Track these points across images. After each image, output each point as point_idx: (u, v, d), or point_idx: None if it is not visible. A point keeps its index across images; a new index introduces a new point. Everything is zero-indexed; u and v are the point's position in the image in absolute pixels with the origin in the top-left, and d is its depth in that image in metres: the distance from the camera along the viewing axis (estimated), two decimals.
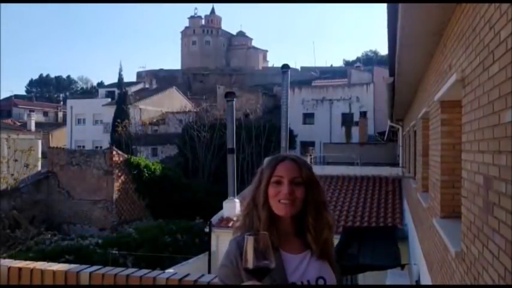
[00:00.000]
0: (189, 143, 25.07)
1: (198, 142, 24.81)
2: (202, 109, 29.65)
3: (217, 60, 72.25)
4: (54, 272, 2.52)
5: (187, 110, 31.75)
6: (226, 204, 12.06)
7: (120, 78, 42.03)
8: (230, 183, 12.12)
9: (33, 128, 29.31)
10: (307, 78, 49.12)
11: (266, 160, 1.55)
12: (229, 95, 12.96)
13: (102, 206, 19.23)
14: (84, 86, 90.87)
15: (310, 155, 21.92)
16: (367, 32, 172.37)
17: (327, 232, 1.47)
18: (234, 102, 12.86)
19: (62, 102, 57.67)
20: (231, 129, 12.33)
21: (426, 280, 5.58)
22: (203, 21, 76.19)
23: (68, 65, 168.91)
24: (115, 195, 19.12)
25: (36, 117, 34.52)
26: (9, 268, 2.60)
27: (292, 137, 27.58)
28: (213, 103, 32.99)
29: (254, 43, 79.53)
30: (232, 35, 78.30)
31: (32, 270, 2.57)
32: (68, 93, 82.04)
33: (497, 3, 2.11)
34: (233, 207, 11.77)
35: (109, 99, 38.91)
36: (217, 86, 40.07)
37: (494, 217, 2.15)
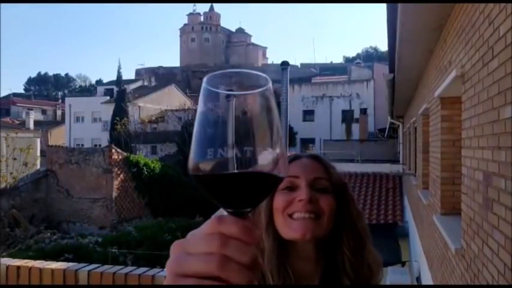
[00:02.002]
0: (189, 141, 25.05)
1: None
2: (218, 103, 29.57)
3: (216, 57, 72.19)
4: (52, 271, 2.51)
5: (186, 107, 31.72)
6: None
7: (119, 75, 42.00)
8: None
9: (31, 126, 29.26)
10: (307, 75, 49.05)
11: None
12: (229, 96, 13.00)
13: (102, 204, 19.22)
14: (83, 84, 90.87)
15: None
16: (367, 28, 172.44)
17: (375, 278, 0.91)
18: (233, 100, 12.88)
19: (60, 100, 57.65)
20: (231, 125, 12.35)
21: (426, 277, 5.58)
22: (202, 18, 76.05)
23: (66, 62, 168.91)
24: (114, 194, 19.10)
25: (34, 116, 34.49)
26: (7, 267, 2.60)
27: (292, 134, 27.57)
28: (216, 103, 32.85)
29: (253, 40, 79.46)
30: (231, 32, 78.19)
31: (30, 268, 2.56)
32: (66, 91, 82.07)
33: (495, 3, 2.10)
34: None
35: (108, 97, 38.87)
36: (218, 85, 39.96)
37: (493, 214, 2.14)
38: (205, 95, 0.49)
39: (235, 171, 0.45)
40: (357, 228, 0.91)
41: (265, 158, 0.46)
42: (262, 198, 0.50)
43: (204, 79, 0.49)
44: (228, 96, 0.48)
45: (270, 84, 0.49)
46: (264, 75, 0.49)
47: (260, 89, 0.48)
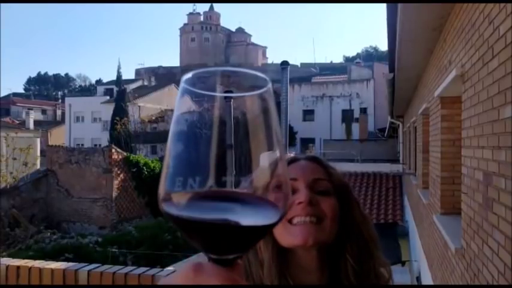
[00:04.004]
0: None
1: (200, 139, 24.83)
2: (203, 108, 29.61)
3: (216, 57, 72.22)
4: (52, 270, 2.51)
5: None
6: None
7: (119, 75, 41.99)
8: (229, 175, 12.15)
9: (31, 126, 29.23)
10: (307, 74, 49.07)
11: (262, 156, 1.16)
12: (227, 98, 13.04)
13: (102, 204, 19.21)
14: (83, 84, 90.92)
15: (310, 152, 21.92)
16: (367, 28, 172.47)
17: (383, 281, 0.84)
18: (232, 101, 12.90)
19: (60, 100, 57.70)
20: (230, 126, 12.36)
21: (426, 276, 5.58)
22: (202, 18, 76.08)
23: (66, 62, 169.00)
24: (114, 193, 19.10)
25: (34, 116, 34.47)
26: (7, 267, 2.59)
27: (292, 134, 27.58)
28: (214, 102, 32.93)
29: (253, 39, 79.51)
30: (231, 32, 78.23)
31: (30, 268, 2.56)
32: (66, 91, 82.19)
33: (495, 2, 2.09)
34: None
35: (108, 97, 38.88)
36: (217, 85, 40.05)
37: (493, 213, 2.14)
38: (182, 99, 0.36)
39: (212, 218, 0.33)
40: (361, 234, 0.83)
41: (258, 188, 0.35)
42: (254, 243, 0.38)
43: (183, 78, 0.37)
44: (212, 99, 0.35)
45: (270, 85, 0.38)
46: (261, 74, 0.38)
47: (257, 91, 0.36)
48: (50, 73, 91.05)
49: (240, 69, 0.39)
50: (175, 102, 0.37)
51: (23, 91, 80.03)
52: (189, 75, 0.37)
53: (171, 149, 0.36)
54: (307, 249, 0.78)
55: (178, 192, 0.34)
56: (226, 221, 0.33)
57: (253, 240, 0.37)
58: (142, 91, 39.43)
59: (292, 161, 0.87)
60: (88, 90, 69.91)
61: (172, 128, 0.37)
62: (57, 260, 4.98)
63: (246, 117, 0.37)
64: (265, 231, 0.37)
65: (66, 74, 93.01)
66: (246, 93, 0.38)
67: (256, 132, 0.37)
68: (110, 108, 33.30)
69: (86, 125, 37.90)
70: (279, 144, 0.37)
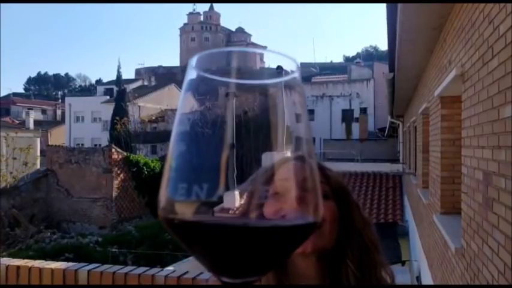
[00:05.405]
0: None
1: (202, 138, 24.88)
2: (205, 108, 29.68)
3: None
4: (52, 270, 2.51)
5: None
6: (226, 197, 12.14)
7: (119, 75, 42.01)
8: (230, 176, 12.21)
9: (31, 126, 29.23)
10: (307, 74, 49.05)
11: (264, 156, 1.07)
12: (229, 94, 13.09)
13: (102, 204, 19.22)
14: (83, 84, 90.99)
15: None
16: (367, 28, 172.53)
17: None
18: (234, 101, 12.93)
19: (60, 100, 57.72)
20: (231, 126, 12.39)
21: (426, 276, 5.58)
22: (202, 18, 76.13)
23: (66, 62, 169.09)
24: (114, 193, 19.10)
25: (34, 115, 34.50)
26: (7, 267, 2.59)
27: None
28: (214, 101, 32.98)
29: (253, 39, 79.48)
30: (231, 31, 78.25)
31: (30, 268, 2.56)
32: (66, 91, 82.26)
33: (495, 2, 2.09)
34: (233, 198, 11.92)
35: (108, 97, 38.89)
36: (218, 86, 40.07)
37: (493, 213, 2.14)
38: (187, 95, 0.29)
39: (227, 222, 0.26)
40: (362, 238, 0.79)
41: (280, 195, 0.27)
42: (276, 264, 0.30)
43: (192, 62, 0.30)
44: (216, 97, 0.28)
45: (297, 75, 0.29)
46: (286, 55, 0.28)
47: (270, 80, 0.28)
48: (50, 73, 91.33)
49: (254, 49, 0.31)
50: (180, 97, 0.31)
51: (23, 91, 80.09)
52: (193, 60, 0.32)
53: (173, 149, 0.30)
54: (305, 256, 0.75)
55: (181, 201, 0.28)
56: (244, 224, 0.27)
57: (275, 258, 0.29)
58: (142, 91, 39.39)
59: (285, 162, 0.81)
60: (88, 90, 69.88)
61: (176, 127, 0.31)
62: (57, 260, 4.98)
63: (251, 115, 0.31)
64: (297, 238, 0.29)
65: (66, 74, 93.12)
66: (265, 81, 0.31)
67: (259, 131, 0.32)
68: (110, 108, 33.27)
69: (86, 125, 37.90)
70: (308, 145, 0.31)
